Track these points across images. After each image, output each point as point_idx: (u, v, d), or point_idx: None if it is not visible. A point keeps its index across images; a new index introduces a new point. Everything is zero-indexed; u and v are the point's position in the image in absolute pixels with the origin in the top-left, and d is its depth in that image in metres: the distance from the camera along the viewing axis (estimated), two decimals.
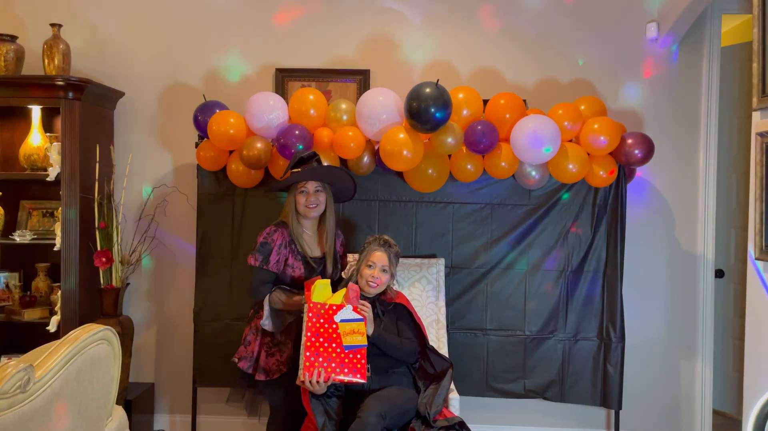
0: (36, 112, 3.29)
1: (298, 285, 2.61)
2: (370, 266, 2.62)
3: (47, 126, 3.34)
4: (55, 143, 3.14)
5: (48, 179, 3.11)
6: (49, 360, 1.51)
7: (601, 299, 3.20)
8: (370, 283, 2.60)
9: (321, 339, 2.39)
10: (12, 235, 3.25)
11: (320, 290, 2.47)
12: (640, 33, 3.38)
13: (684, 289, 3.41)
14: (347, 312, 2.45)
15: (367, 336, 2.50)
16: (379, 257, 2.62)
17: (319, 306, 2.42)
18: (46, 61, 3.19)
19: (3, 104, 3.20)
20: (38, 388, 1.44)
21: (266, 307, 2.58)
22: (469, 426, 2.59)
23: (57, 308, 3.15)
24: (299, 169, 2.61)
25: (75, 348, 1.59)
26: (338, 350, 2.39)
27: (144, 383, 3.49)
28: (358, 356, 2.41)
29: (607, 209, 3.19)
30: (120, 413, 1.90)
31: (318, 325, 2.40)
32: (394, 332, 2.67)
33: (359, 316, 2.45)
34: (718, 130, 3.42)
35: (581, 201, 3.21)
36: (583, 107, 3.10)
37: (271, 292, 2.59)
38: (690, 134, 3.40)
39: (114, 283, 3.17)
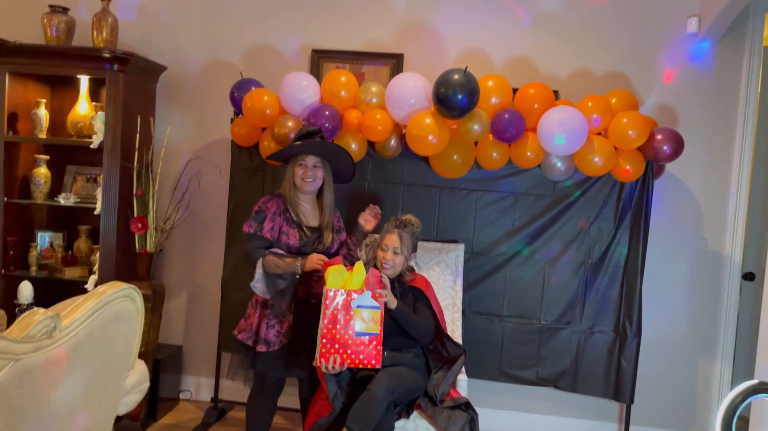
0: (84, 81, 3.46)
1: (293, 253, 2.65)
2: (383, 249, 2.68)
3: (94, 96, 3.51)
4: (99, 112, 3.31)
5: (92, 146, 3.28)
6: (76, 312, 1.64)
7: (619, 294, 3.20)
8: (384, 266, 2.67)
9: (338, 326, 2.43)
10: (57, 198, 3.45)
11: (335, 276, 2.48)
12: (680, 27, 3.32)
13: (708, 290, 3.38)
14: (365, 299, 2.47)
15: (389, 310, 2.55)
16: (391, 239, 2.66)
17: (336, 292, 2.44)
18: (95, 33, 3.35)
19: (53, 73, 3.38)
20: (63, 336, 1.57)
21: (258, 270, 2.64)
22: (480, 409, 2.67)
23: (95, 268, 3.34)
24: (302, 143, 2.67)
25: (100, 303, 1.71)
26: (354, 337, 2.43)
27: (173, 345, 3.67)
28: (374, 343, 2.45)
29: (632, 204, 3.18)
30: (141, 366, 2.03)
31: (336, 312, 2.43)
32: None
33: (377, 304, 2.48)
34: (756, 130, 3.35)
35: (606, 195, 3.21)
36: (614, 100, 3.08)
37: (264, 256, 2.64)
38: (725, 133, 3.34)
39: (148, 248, 3.34)
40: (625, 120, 2.95)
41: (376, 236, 2.82)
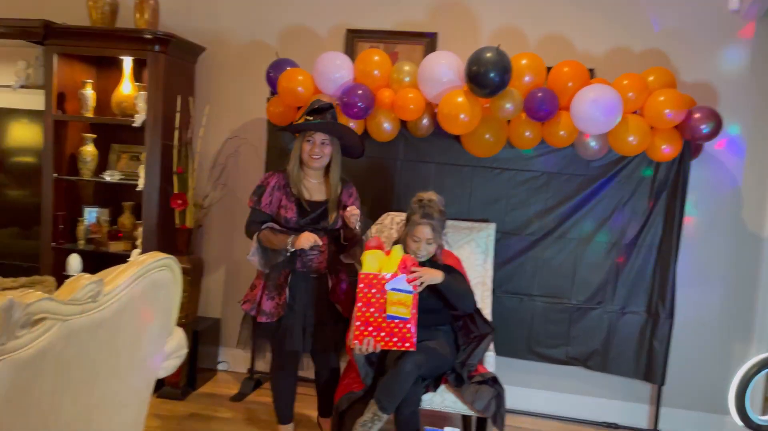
0: (127, 62, 3.58)
1: (292, 227, 2.67)
2: (415, 240, 2.68)
3: (137, 76, 3.63)
4: (142, 92, 3.42)
5: (135, 125, 3.40)
6: (118, 278, 1.74)
7: (652, 274, 3.18)
8: (418, 255, 2.69)
9: (372, 309, 2.46)
10: (102, 175, 3.60)
11: (370, 261, 2.50)
12: (721, 4, 3.23)
13: (745, 272, 3.32)
14: (400, 282, 2.47)
15: (436, 286, 2.58)
16: (422, 231, 2.66)
17: (371, 276, 2.46)
18: (137, 15, 3.45)
19: (99, 54, 3.51)
20: (107, 300, 1.67)
21: (254, 244, 2.71)
22: (508, 387, 2.71)
23: (138, 242, 3.49)
24: (312, 118, 2.68)
25: (140, 271, 1.81)
26: (387, 320, 2.46)
27: (211, 318, 3.81)
28: (408, 326, 2.47)
29: (668, 184, 3.13)
30: (179, 333, 2.13)
31: (369, 295, 2.46)
32: (439, 302, 2.72)
33: (410, 288, 2.48)
34: None
35: (641, 174, 3.17)
36: (651, 78, 3.03)
37: (260, 231, 2.69)
38: (765, 112, 3.25)
39: (187, 224, 3.46)
40: (661, 98, 2.91)
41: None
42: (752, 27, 3.22)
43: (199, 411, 3.27)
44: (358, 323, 2.47)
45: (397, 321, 2.47)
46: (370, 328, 2.47)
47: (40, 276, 2.05)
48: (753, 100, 3.25)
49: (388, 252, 2.56)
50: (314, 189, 2.75)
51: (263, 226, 2.71)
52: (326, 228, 2.70)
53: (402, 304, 2.46)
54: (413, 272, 2.52)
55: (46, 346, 1.47)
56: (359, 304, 2.46)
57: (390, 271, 2.48)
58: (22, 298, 1.37)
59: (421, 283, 2.53)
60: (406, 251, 2.69)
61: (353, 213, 2.62)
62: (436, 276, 2.57)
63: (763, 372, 1.48)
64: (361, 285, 2.46)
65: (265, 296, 2.74)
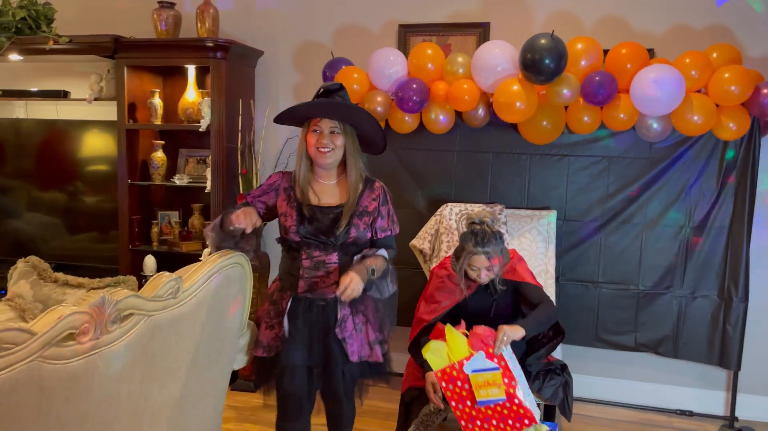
0: (191, 70, 3.74)
1: (291, 239, 2.16)
2: (474, 270, 2.51)
3: (200, 83, 3.79)
4: (206, 98, 3.57)
5: (200, 130, 3.55)
6: (195, 275, 1.85)
7: (723, 257, 3.09)
8: (481, 281, 2.54)
9: (468, 403, 2.25)
10: (172, 179, 3.78)
11: (434, 355, 2.29)
12: None
13: None
14: (479, 361, 2.24)
15: (523, 339, 2.40)
16: (479, 261, 2.47)
17: (447, 370, 2.26)
18: (199, 24, 3.60)
19: (164, 64, 3.69)
20: (186, 296, 1.79)
21: (218, 218, 2.13)
22: (576, 375, 2.68)
23: (208, 242, 3.64)
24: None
25: (214, 268, 1.92)
26: (483, 408, 2.24)
27: None
28: (516, 401, 2.21)
29: (737, 164, 3.03)
30: (252, 328, 2.24)
31: (457, 390, 2.26)
32: (512, 305, 2.65)
33: (494, 365, 2.24)
34: None
35: (708, 155, 3.08)
36: (714, 55, 2.93)
37: (237, 208, 2.14)
38: None
39: None
40: (726, 75, 2.81)
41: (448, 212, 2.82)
42: None
43: (271, 402, 3.39)
44: (463, 423, 2.28)
45: (493, 404, 2.22)
46: (478, 422, 2.26)
47: (123, 276, 2.20)
48: None
49: (442, 334, 2.34)
50: (326, 192, 2.19)
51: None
52: (335, 242, 2.12)
53: (491, 385, 2.20)
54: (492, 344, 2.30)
55: (134, 340, 1.59)
56: (452, 404, 2.28)
57: (461, 357, 2.26)
58: (112, 295, 1.49)
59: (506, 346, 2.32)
60: (467, 277, 2.54)
61: (346, 289, 2.01)
62: (516, 334, 2.33)
63: None
64: (443, 384, 2.28)
65: (264, 323, 2.22)
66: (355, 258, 2.14)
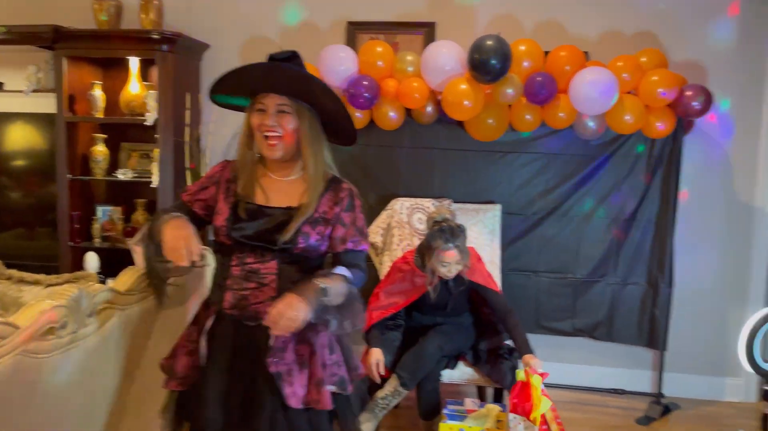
0: (134, 62, 3.65)
1: (221, 243, 1.70)
2: (444, 265, 2.62)
3: (144, 75, 3.71)
4: (152, 91, 3.50)
5: (146, 123, 3.49)
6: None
7: (651, 247, 3.34)
8: (449, 276, 2.67)
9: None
10: (115, 173, 3.69)
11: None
12: None
13: (739, 241, 3.48)
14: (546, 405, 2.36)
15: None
16: (450, 256, 2.60)
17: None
18: (143, 15, 3.53)
19: (107, 55, 3.59)
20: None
21: (145, 228, 1.72)
22: (519, 361, 2.85)
23: (135, 258, 3.58)
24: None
25: None
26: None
27: None
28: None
29: (663, 160, 3.28)
30: None
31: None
32: (466, 303, 2.85)
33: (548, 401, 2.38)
34: None
35: (637, 152, 3.32)
36: (644, 59, 3.17)
37: (171, 214, 1.67)
38: (754, 88, 3.39)
39: None
40: (654, 78, 3.04)
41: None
42: (738, 4, 3.36)
43: None
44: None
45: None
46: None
47: (82, 272, 2.17)
48: (740, 75, 3.39)
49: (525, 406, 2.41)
50: (278, 190, 1.74)
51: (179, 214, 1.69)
52: (275, 249, 1.65)
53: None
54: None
55: (108, 333, 1.59)
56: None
57: (544, 410, 2.36)
58: (89, 289, 1.49)
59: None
60: (432, 274, 2.65)
61: (278, 318, 1.49)
62: (538, 365, 2.57)
63: None
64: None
65: (181, 347, 1.72)
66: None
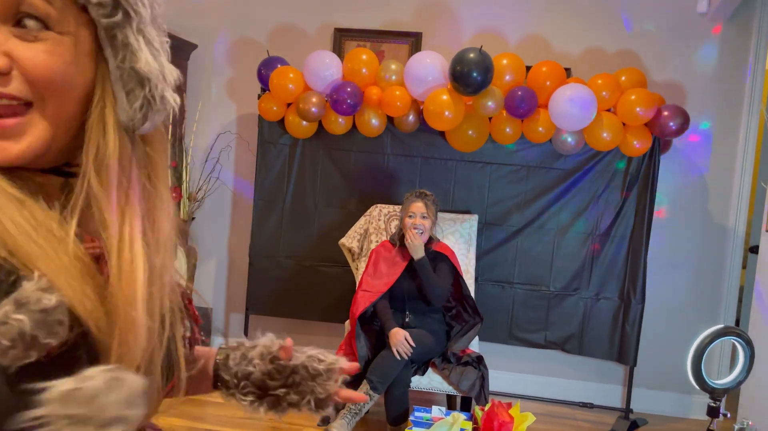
0: None
1: None
2: (410, 216, 2.89)
3: None
4: None
5: None
6: None
7: (624, 263, 3.38)
8: (415, 230, 2.88)
9: None
10: None
11: None
12: (689, 6, 3.43)
13: (712, 260, 3.53)
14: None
15: (413, 260, 2.84)
16: (417, 206, 2.90)
17: None
18: None
19: None
20: None
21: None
22: (490, 371, 2.90)
23: None
24: None
25: None
26: None
27: (201, 308, 3.93)
28: None
29: (639, 178, 3.33)
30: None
31: None
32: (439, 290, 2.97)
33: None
34: (764, 105, 3.46)
35: (614, 168, 3.36)
36: (623, 78, 3.22)
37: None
38: (732, 110, 3.46)
39: (181, 216, 3.57)
40: (633, 97, 3.09)
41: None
42: (719, 29, 3.42)
43: (195, 396, 3.39)
44: None
45: None
46: None
47: None
48: (719, 97, 3.45)
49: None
50: None
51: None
52: None
53: None
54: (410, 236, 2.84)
55: None
56: None
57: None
58: None
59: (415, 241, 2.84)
60: (402, 244, 2.94)
61: None
62: (418, 249, 2.84)
63: (716, 342, 1.70)
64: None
65: None
66: None
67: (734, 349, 2.03)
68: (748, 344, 1.91)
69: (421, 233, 2.90)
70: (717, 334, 1.73)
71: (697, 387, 1.76)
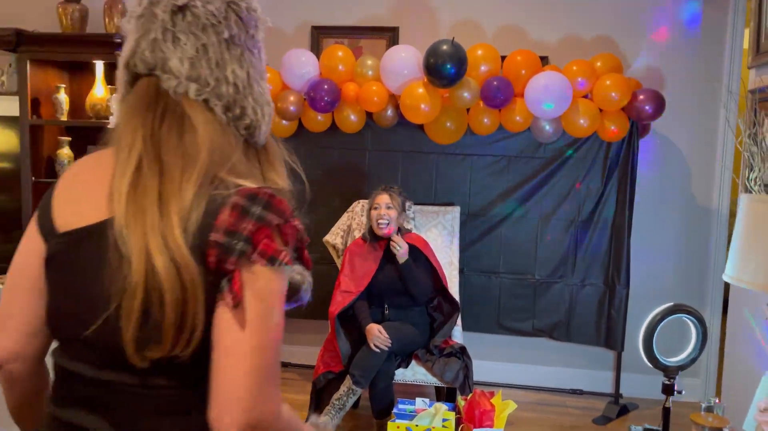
0: (99, 66, 3.67)
1: None
2: (375, 208, 2.92)
3: (109, 79, 3.73)
4: (115, 95, 3.52)
5: (110, 126, 3.49)
6: None
7: (608, 248, 3.39)
8: (381, 223, 2.89)
9: None
10: None
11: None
12: None
13: (696, 243, 3.53)
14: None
15: (399, 264, 2.86)
16: (381, 198, 2.94)
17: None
18: (107, 20, 3.55)
19: (71, 59, 3.61)
20: None
21: None
22: (478, 361, 2.92)
23: None
24: None
25: None
26: None
27: None
28: None
29: (619, 163, 3.33)
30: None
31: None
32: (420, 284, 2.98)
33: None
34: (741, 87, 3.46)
35: (594, 154, 3.37)
36: (599, 64, 3.22)
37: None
38: (711, 91, 3.45)
39: None
40: (608, 82, 3.09)
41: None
42: (695, 9, 3.42)
43: None
44: None
45: None
46: None
47: None
48: (697, 79, 3.45)
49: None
50: None
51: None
52: None
53: None
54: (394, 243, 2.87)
55: None
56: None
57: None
58: None
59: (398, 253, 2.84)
60: (372, 235, 2.98)
61: None
62: (404, 254, 2.86)
63: (666, 320, 1.71)
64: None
65: None
66: None
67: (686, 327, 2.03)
68: (700, 322, 1.92)
69: (387, 223, 2.90)
70: (667, 312, 1.74)
71: (649, 365, 1.77)
